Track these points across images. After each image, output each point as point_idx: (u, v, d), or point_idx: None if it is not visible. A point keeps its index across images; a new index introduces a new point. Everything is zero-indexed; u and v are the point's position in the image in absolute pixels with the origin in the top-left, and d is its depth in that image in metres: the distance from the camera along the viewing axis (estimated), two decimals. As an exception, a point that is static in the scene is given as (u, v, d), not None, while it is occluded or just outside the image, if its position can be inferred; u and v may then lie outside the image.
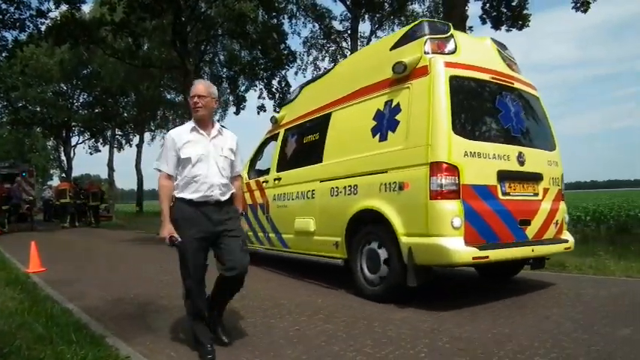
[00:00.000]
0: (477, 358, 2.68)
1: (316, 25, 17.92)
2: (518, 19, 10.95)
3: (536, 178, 4.18)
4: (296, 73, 18.65)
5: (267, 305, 4.07)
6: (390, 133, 4.15)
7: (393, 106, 4.19)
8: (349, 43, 16.34)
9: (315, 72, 19.20)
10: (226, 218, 2.89)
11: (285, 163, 5.93)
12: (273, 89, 16.89)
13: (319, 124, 5.32)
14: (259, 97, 17.50)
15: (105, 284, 5.33)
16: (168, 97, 26.58)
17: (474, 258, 3.58)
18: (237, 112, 18.24)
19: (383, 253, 4.06)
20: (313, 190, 5.06)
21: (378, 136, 4.28)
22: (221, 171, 2.90)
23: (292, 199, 5.47)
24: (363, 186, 4.32)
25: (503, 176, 3.91)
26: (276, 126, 6.44)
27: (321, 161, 5.02)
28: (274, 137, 6.53)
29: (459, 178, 3.65)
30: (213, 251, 2.91)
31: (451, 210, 3.60)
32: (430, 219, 3.62)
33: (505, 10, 10.93)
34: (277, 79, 17.03)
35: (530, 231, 4.04)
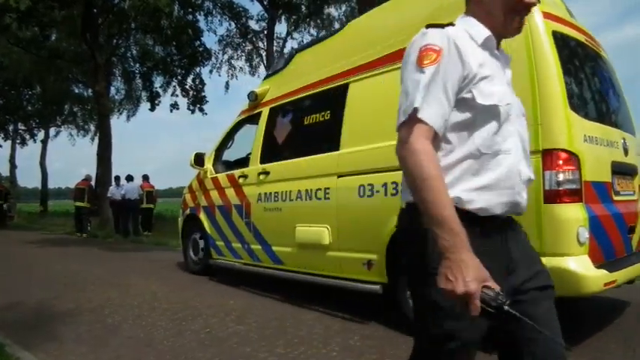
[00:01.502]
0: (387, 355, 2.76)
1: (232, 23, 17.71)
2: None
3: (634, 171, 3.27)
4: (210, 72, 18.73)
5: (177, 308, 4.00)
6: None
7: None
8: (265, 44, 16.40)
9: (230, 71, 18.73)
10: (529, 252, 1.29)
11: (275, 151, 4.51)
12: (187, 87, 16.51)
13: (329, 100, 3.99)
14: (172, 95, 17.06)
15: (5, 289, 4.98)
16: (77, 91, 24.89)
17: (604, 284, 2.54)
18: (152, 109, 17.27)
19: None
20: (327, 189, 3.73)
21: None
22: (525, 146, 1.26)
23: (290, 200, 4.09)
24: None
25: (615, 170, 2.93)
26: (254, 104, 4.97)
27: (337, 148, 3.71)
28: (253, 118, 5.06)
29: (580, 172, 2.59)
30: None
31: (575, 217, 2.52)
32: (547, 231, 2.50)
33: None
34: (192, 76, 16.65)
35: (635, 241, 3.12)
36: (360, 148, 3.51)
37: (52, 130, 27.84)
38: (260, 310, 3.83)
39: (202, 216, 5.52)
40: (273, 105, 4.67)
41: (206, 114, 16.33)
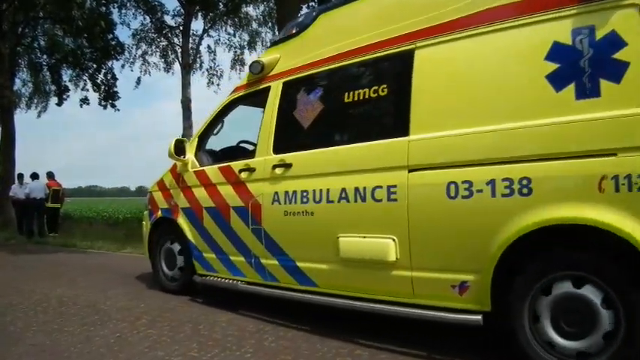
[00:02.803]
0: (302, 355, 2.77)
1: (147, 17, 16.74)
2: None
3: None
4: (123, 67, 17.48)
5: (86, 312, 3.85)
6: (604, 83, 2.21)
7: (599, 36, 2.25)
8: (181, 40, 15.89)
9: (143, 66, 17.53)
10: None
11: (299, 137, 3.48)
12: (99, 81, 15.49)
13: (384, 70, 3.06)
14: (83, 89, 16.03)
15: None
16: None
17: None
18: (59, 103, 16.12)
19: (607, 314, 2.16)
20: (392, 187, 2.79)
21: (570, 90, 2.29)
22: None
23: (329, 202, 3.09)
24: (547, 180, 2.30)
25: None
26: (257, 77, 3.87)
27: (404, 133, 2.80)
28: (254, 97, 3.96)
29: None
30: None
31: None
32: None
33: None
34: (104, 70, 15.60)
35: None
36: (447, 133, 2.63)
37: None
38: (172, 314, 3.73)
39: (182, 220, 4.30)
40: (288, 78, 3.61)
41: (118, 110, 15.39)
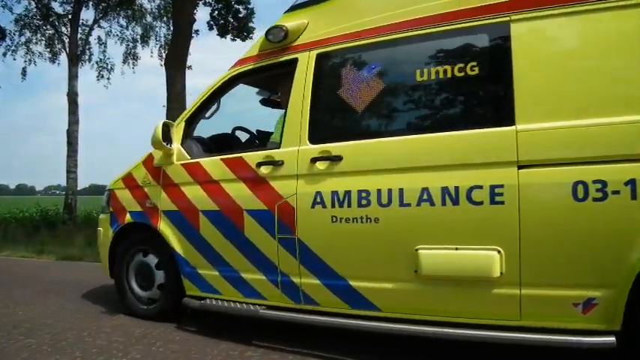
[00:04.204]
0: (192, 358, 2.74)
1: (32, 2, 14.92)
2: (243, 31, 11.60)
3: None
4: (4, 54, 15.18)
5: None
6: None
7: None
8: (68, 29, 14.58)
9: (27, 55, 15.56)
10: None
11: (346, 123, 2.80)
12: None
13: (472, 45, 2.47)
14: None
15: None
16: None
17: None
18: None
19: None
20: (495, 187, 2.24)
21: None
22: None
23: (403, 205, 2.44)
24: None
25: None
26: (279, 46, 3.06)
27: (509, 122, 2.27)
28: (269, 71, 3.17)
29: None
30: None
31: None
32: None
33: (232, 20, 11.55)
34: None
35: None
36: (569, 123, 2.15)
37: None
38: (54, 321, 3.52)
39: (165, 227, 3.32)
40: (326, 49, 2.87)
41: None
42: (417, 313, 2.48)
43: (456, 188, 2.35)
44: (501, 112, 2.33)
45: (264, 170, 2.92)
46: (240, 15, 11.67)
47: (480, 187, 2.30)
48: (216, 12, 11.66)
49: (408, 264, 2.44)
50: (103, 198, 3.85)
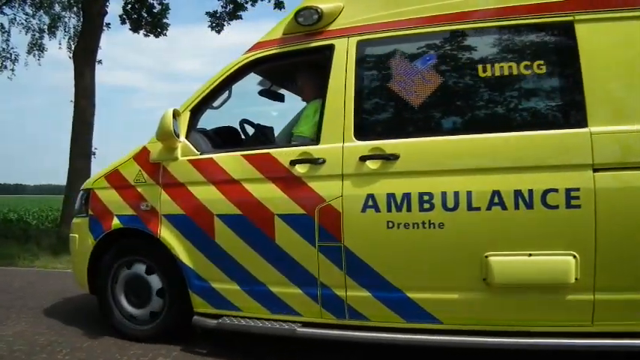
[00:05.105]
0: None
1: None
2: (157, 27, 11.32)
3: None
4: None
5: None
6: None
7: None
8: None
9: None
10: None
11: (400, 119, 2.56)
12: None
13: (537, 42, 2.37)
14: None
15: None
16: None
17: None
18: None
19: None
20: (571, 190, 2.15)
21: None
22: None
23: (472, 209, 2.26)
24: None
25: None
26: (310, 30, 2.71)
27: (582, 124, 2.19)
28: (293, 57, 2.84)
29: None
30: None
31: None
32: None
33: (146, 15, 11.22)
34: None
35: None
36: None
37: None
38: None
39: (166, 233, 2.82)
40: (369, 36, 2.59)
41: None
42: (483, 323, 2.33)
43: (530, 191, 2.23)
44: (573, 114, 2.26)
45: (299, 169, 2.58)
46: (155, 10, 11.15)
47: (556, 190, 2.21)
48: (130, 5, 11.05)
49: (475, 272, 2.29)
50: (77, 199, 3.20)
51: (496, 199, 2.27)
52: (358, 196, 2.46)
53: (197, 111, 2.94)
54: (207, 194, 2.76)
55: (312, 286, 2.56)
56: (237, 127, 3.28)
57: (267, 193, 2.64)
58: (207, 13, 10.84)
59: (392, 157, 2.42)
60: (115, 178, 3.02)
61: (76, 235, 3.16)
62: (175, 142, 2.79)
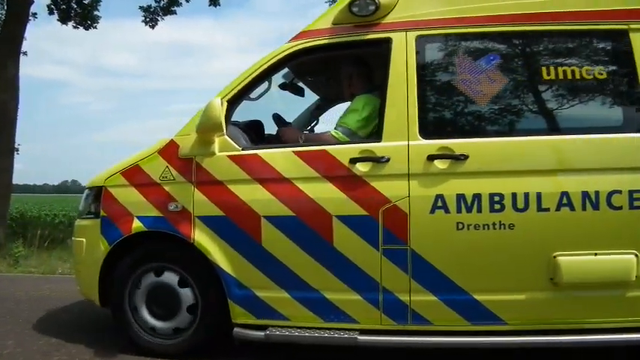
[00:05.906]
0: None
1: None
2: (87, 19, 11.02)
3: None
4: None
5: None
6: None
7: None
8: None
9: None
10: None
11: (467, 118, 2.52)
12: None
13: (596, 48, 2.48)
14: None
15: None
16: None
17: None
18: None
19: None
20: (637, 192, 2.27)
21: None
22: None
23: (541, 210, 2.28)
24: None
25: None
26: (364, 21, 2.57)
27: (640, 129, 2.33)
28: (343, 49, 2.71)
29: None
30: None
31: None
32: None
33: (75, 7, 10.87)
34: None
35: None
36: None
37: None
38: None
39: (201, 236, 2.51)
40: (429, 32, 2.51)
41: None
42: (549, 322, 2.37)
43: (597, 193, 2.31)
44: (635, 118, 2.38)
45: (361, 168, 2.43)
46: (85, 1, 10.51)
47: (619, 191, 2.31)
48: None
49: (543, 272, 2.32)
50: (83, 198, 2.73)
51: (565, 200, 2.32)
52: (427, 197, 2.37)
53: (234, 102, 2.65)
54: (253, 194, 2.50)
55: (373, 292, 2.43)
56: (263, 122, 3.04)
57: (324, 193, 2.45)
58: (140, 7, 10.48)
59: (462, 157, 2.37)
60: (134, 174, 2.63)
61: (83, 240, 2.71)
62: (215, 135, 2.50)
